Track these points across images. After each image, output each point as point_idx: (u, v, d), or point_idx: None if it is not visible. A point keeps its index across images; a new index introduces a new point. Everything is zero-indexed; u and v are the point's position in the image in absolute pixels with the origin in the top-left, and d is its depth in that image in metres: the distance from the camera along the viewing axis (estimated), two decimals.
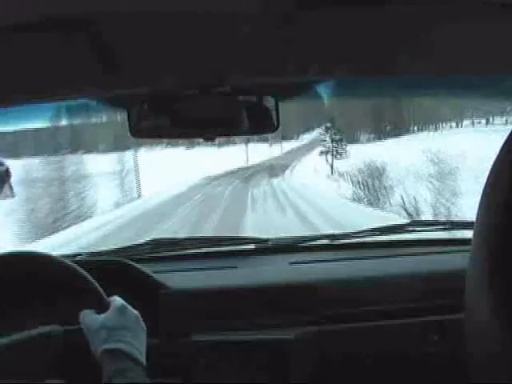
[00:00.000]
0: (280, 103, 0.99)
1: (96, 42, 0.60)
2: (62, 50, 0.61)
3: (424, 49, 0.66)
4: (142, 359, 0.86)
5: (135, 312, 0.92)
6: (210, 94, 0.91)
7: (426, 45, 0.65)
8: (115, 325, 0.87)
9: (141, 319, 0.93)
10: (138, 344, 0.87)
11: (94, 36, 0.58)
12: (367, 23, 0.59)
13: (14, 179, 1.26)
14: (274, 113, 1.00)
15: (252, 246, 1.52)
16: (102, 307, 0.92)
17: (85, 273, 0.96)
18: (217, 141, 1.03)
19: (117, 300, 0.93)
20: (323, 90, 1.03)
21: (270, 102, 1.00)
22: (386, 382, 1.23)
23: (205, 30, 0.60)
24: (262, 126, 1.02)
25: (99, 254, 1.42)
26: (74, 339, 0.92)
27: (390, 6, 0.55)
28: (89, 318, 0.90)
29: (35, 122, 1.16)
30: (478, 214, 0.41)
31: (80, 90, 0.77)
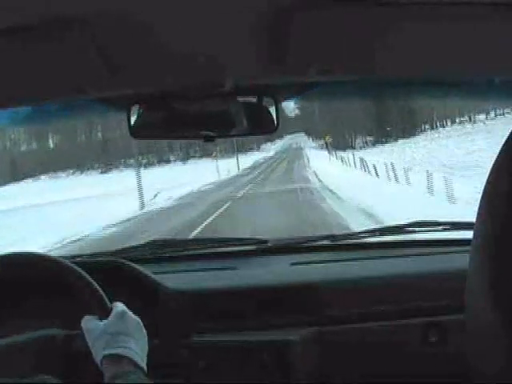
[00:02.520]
0: (280, 103, 0.99)
1: (96, 42, 0.59)
2: (61, 50, 0.61)
3: (426, 49, 0.66)
4: (143, 364, 0.86)
5: (136, 318, 0.92)
6: (210, 94, 0.91)
7: (429, 45, 0.65)
8: (116, 331, 0.87)
9: (142, 325, 0.92)
10: (139, 350, 0.87)
11: (94, 36, 0.58)
12: (368, 23, 0.59)
13: None
14: (273, 113, 1.00)
15: (252, 247, 1.52)
16: (103, 312, 0.91)
17: (85, 274, 0.96)
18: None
19: (118, 306, 0.93)
20: (323, 90, 1.03)
21: (269, 102, 1.00)
22: (386, 382, 1.23)
23: (204, 30, 0.60)
24: (261, 126, 1.02)
25: (99, 255, 1.42)
26: (76, 344, 0.92)
27: (392, 5, 0.55)
28: (90, 323, 0.90)
29: (35, 122, 1.16)
30: (478, 214, 0.41)
31: (80, 90, 0.76)
